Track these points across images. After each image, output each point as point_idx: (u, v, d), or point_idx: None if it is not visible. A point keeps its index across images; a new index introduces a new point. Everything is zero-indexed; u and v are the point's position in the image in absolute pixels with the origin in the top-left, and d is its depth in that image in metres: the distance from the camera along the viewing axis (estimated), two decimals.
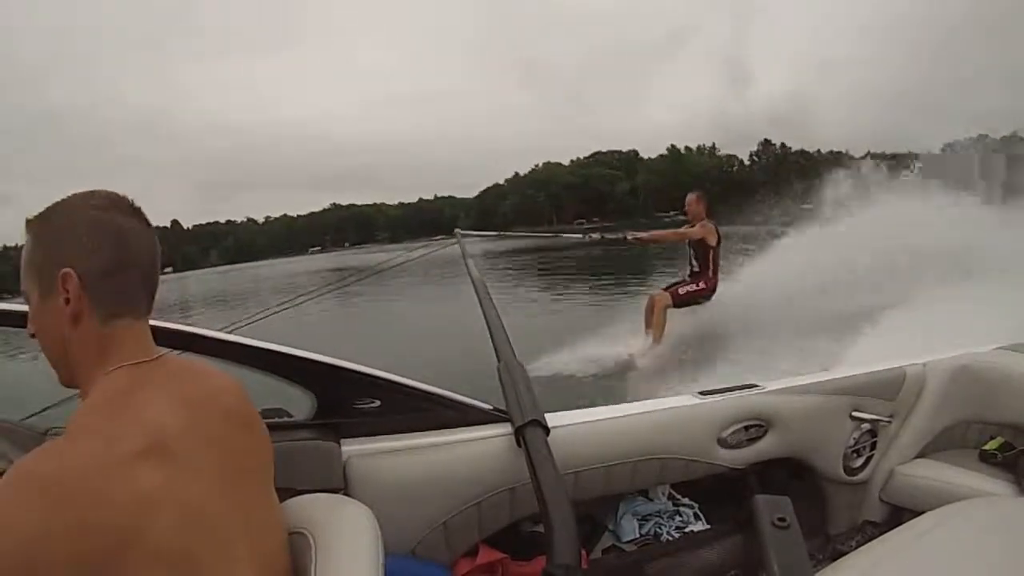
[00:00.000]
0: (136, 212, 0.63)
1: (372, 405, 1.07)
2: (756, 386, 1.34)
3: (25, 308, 0.84)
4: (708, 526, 1.35)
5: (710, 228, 4.89)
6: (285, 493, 0.73)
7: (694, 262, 5.01)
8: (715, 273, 4.94)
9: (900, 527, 1.05)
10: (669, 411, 1.25)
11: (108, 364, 0.60)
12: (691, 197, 5.02)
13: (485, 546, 1.12)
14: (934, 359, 1.55)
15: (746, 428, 1.30)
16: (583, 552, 1.24)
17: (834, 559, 1.08)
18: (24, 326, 0.67)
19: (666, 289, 5.02)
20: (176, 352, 0.94)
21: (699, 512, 1.37)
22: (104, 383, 0.59)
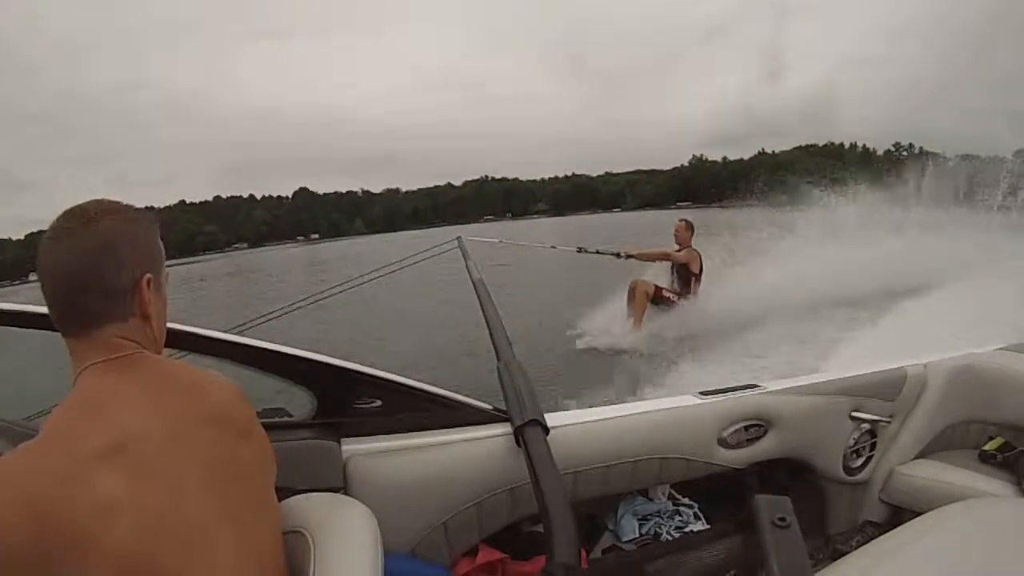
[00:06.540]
0: (72, 225, 0.61)
1: (372, 405, 1.07)
2: (756, 386, 1.35)
3: (24, 308, 0.84)
4: (708, 526, 1.35)
5: (694, 255, 5.23)
6: (285, 493, 0.73)
7: (676, 283, 5.31)
8: (695, 296, 5.24)
9: (900, 527, 1.05)
10: (669, 411, 1.25)
11: (81, 364, 0.61)
12: (680, 224, 5.33)
13: (485, 546, 1.12)
14: (934, 359, 1.55)
15: (746, 428, 1.30)
16: (583, 552, 1.24)
17: (834, 559, 1.07)
18: (24, 326, 0.67)
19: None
20: (176, 353, 0.94)
21: (699, 512, 1.37)
22: (80, 383, 0.60)
